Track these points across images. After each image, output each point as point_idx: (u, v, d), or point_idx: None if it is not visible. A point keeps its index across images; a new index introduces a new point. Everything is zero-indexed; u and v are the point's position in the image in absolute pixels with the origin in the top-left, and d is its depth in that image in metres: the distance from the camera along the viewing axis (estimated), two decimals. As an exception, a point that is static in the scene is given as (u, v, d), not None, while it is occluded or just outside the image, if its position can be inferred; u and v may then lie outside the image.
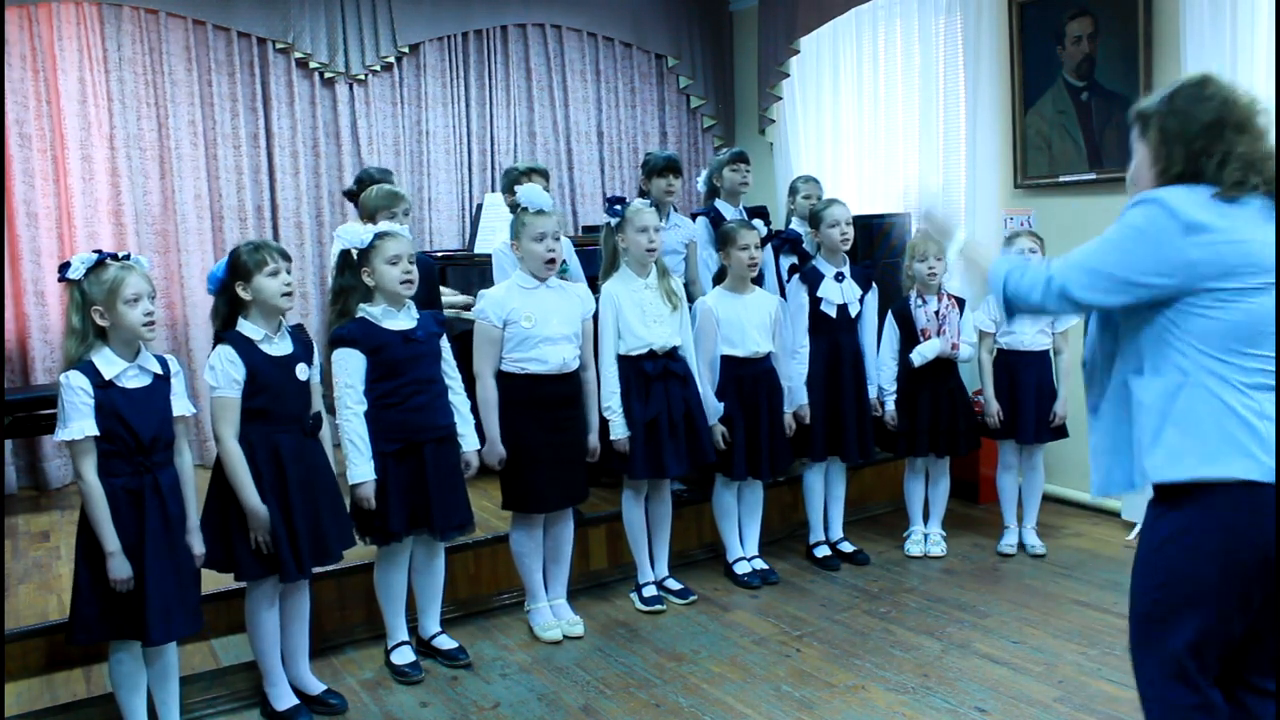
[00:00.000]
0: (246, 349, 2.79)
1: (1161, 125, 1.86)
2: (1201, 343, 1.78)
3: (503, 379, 3.39)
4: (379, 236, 3.06)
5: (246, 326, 2.82)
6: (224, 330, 2.84)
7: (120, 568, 2.53)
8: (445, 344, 3.24)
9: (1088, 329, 2.02)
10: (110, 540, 2.52)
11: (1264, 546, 1.74)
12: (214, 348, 2.83)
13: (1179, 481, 1.78)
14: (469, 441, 3.26)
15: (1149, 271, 1.78)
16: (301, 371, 2.89)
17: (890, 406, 4.18)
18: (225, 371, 2.76)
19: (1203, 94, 1.83)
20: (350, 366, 3.04)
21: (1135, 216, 1.81)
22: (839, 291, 4.08)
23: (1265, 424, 1.75)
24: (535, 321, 3.35)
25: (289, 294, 2.84)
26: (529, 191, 3.42)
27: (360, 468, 3.02)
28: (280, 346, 2.86)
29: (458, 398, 3.25)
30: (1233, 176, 1.78)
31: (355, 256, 3.08)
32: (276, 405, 2.83)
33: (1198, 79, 1.88)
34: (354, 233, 3.09)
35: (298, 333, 2.96)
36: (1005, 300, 1.96)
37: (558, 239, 3.39)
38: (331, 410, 3.09)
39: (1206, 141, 1.80)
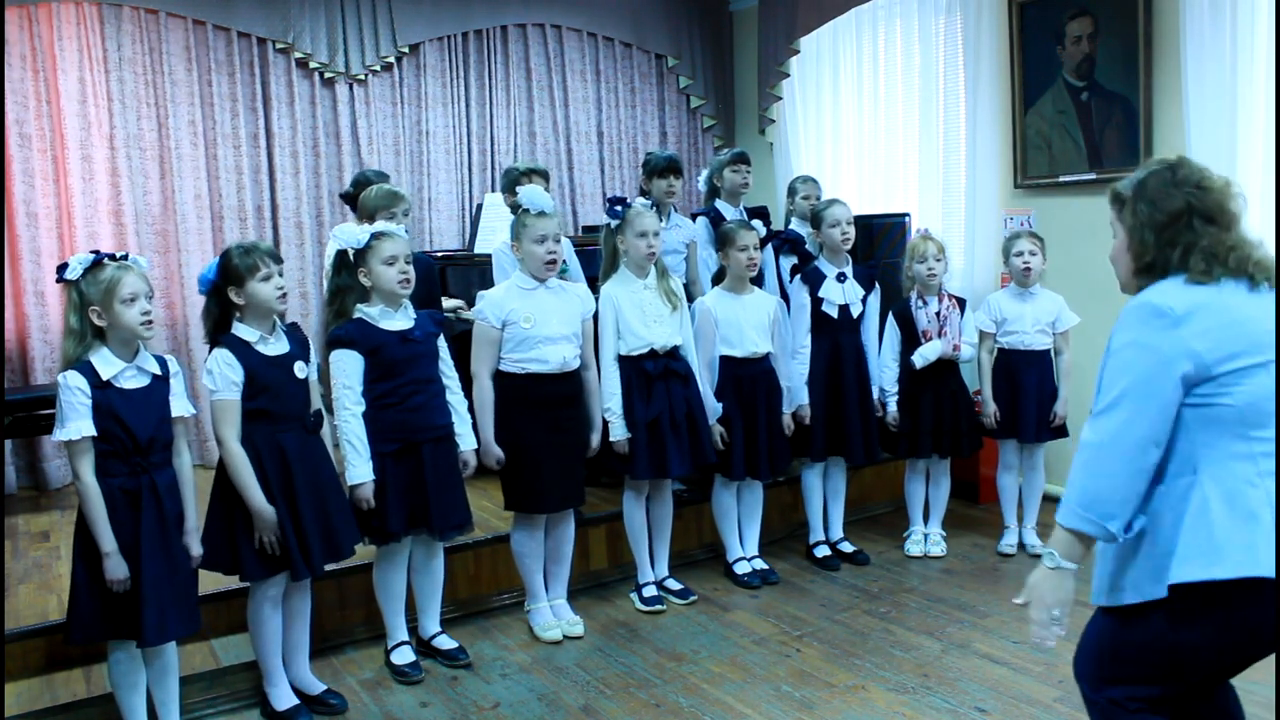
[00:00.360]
0: (243, 351, 2.79)
1: (1134, 210, 1.86)
2: (1209, 434, 1.75)
3: (504, 379, 3.39)
4: (375, 237, 3.06)
5: (241, 329, 2.81)
6: (216, 332, 2.84)
7: (116, 568, 2.53)
8: (443, 344, 3.24)
9: None
10: (107, 540, 2.52)
11: (1255, 632, 1.72)
12: (210, 351, 2.82)
13: (1192, 583, 1.72)
14: (466, 441, 3.25)
15: (1164, 373, 1.74)
16: (299, 369, 2.89)
17: (893, 408, 4.18)
18: (223, 374, 2.76)
19: (1173, 179, 1.83)
20: (348, 367, 3.04)
21: (1127, 334, 1.79)
22: (840, 292, 4.08)
23: (1268, 513, 1.71)
24: (535, 322, 3.35)
25: (283, 296, 2.83)
26: (530, 193, 3.42)
27: (359, 468, 3.02)
28: (276, 346, 2.86)
29: (455, 397, 3.25)
30: (1197, 267, 1.78)
31: (351, 257, 3.08)
32: (277, 405, 2.83)
33: (1170, 163, 1.87)
34: (350, 233, 3.09)
35: (293, 331, 2.96)
36: (1101, 514, 1.78)
37: (558, 241, 3.39)
38: (330, 410, 3.09)
39: (1174, 232, 1.80)
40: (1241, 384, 1.73)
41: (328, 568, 3.02)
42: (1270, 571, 1.68)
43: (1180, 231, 1.80)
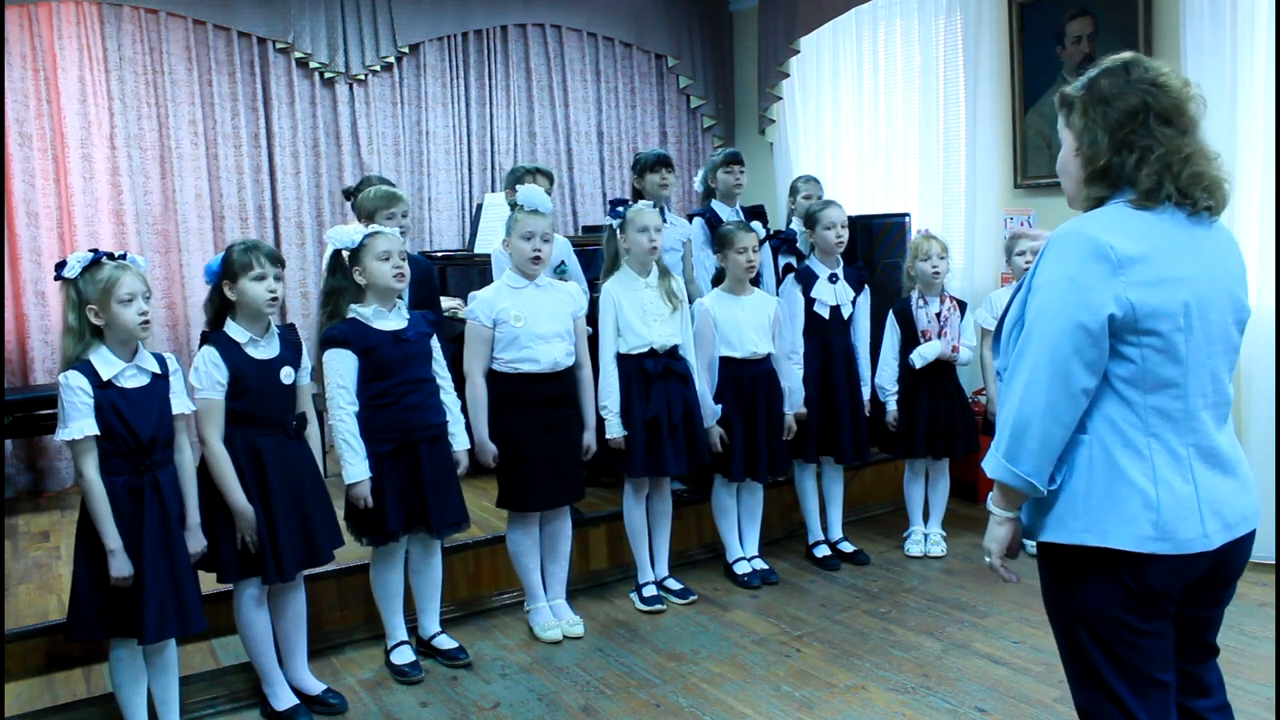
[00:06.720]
0: (230, 351, 2.79)
1: (1086, 111, 1.73)
2: (1104, 391, 1.66)
3: (497, 379, 3.40)
4: (368, 235, 3.08)
5: (233, 328, 2.82)
6: (212, 327, 2.85)
7: (121, 565, 2.53)
8: (436, 344, 3.25)
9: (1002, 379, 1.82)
10: (111, 538, 2.52)
11: (1155, 591, 1.67)
12: (199, 348, 2.83)
13: (1066, 544, 1.70)
14: (460, 441, 3.26)
15: (1098, 319, 1.61)
16: (286, 375, 2.88)
17: (892, 406, 4.17)
18: (208, 373, 2.77)
19: (1128, 77, 1.70)
20: (341, 367, 3.04)
21: (1063, 269, 1.65)
22: (832, 293, 4.07)
23: (1158, 488, 1.64)
24: (525, 320, 3.36)
25: (273, 301, 2.81)
26: (528, 192, 3.44)
27: (355, 467, 3.02)
28: (266, 349, 2.86)
29: (449, 397, 3.26)
30: (1147, 182, 1.66)
31: (346, 258, 3.09)
32: (257, 408, 2.83)
33: (1125, 61, 1.73)
34: (344, 233, 3.11)
35: (288, 334, 2.96)
36: (1029, 469, 1.68)
37: (546, 241, 3.40)
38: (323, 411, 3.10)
39: (1128, 133, 1.67)
40: (1150, 344, 1.64)
41: (328, 568, 3.02)
42: (1133, 545, 1.63)
43: (1135, 132, 1.67)
